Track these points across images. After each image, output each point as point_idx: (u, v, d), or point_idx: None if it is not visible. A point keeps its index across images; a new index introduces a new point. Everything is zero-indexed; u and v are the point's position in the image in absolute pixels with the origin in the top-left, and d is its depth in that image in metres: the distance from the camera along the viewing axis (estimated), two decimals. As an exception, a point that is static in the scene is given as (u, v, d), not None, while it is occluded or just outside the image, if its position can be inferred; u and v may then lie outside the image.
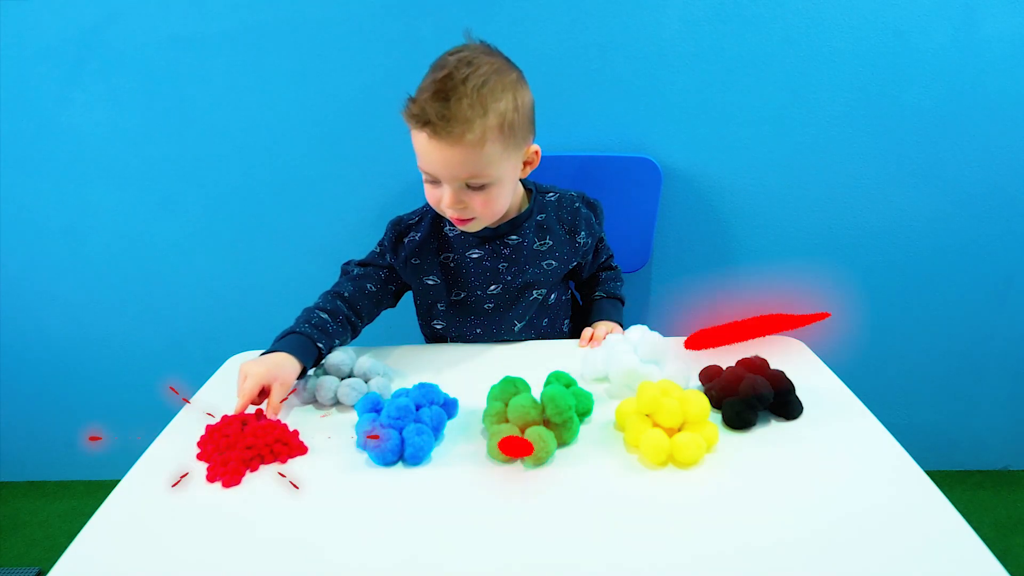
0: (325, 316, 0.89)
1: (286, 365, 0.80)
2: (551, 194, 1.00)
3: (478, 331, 0.99)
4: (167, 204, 1.32)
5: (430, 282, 0.97)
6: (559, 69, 1.19)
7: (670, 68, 1.19)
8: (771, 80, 1.19)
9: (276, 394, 0.77)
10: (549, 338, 1.03)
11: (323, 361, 0.84)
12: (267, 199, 1.31)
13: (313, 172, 1.29)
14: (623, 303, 1.08)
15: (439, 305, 0.99)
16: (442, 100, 0.77)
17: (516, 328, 0.98)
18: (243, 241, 1.35)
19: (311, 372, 0.84)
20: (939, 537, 0.56)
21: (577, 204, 0.99)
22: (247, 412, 0.77)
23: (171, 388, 0.79)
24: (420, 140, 0.81)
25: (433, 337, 1.04)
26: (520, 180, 0.97)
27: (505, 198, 0.87)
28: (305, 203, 1.32)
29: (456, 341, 1.01)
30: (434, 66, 0.82)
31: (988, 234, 1.30)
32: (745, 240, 1.33)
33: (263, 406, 0.78)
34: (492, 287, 0.96)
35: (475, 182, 0.82)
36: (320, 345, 0.85)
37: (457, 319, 0.99)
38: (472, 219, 0.87)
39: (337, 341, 0.89)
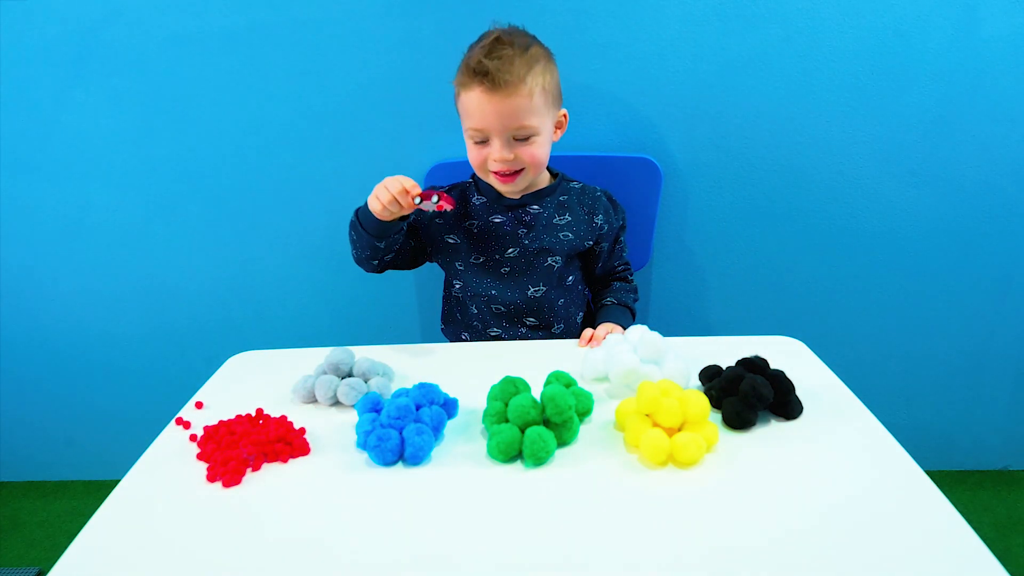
0: None
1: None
2: (576, 183, 1.08)
3: (493, 292, 1.04)
4: (167, 204, 1.32)
5: (451, 240, 1.05)
6: (560, 69, 1.19)
7: (670, 68, 1.19)
8: (771, 80, 1.19)
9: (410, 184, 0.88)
10: (562, 321, 1.06)
11: (322, 361, 0.84)
12: (267, 199, 1.31)
13: (313, 172, 1.29)
14: (634, 315, 1.10)
15: (458, 264, 1.06)
16: (496, 57, 0.90)
17: (529, 292, 1.03)
18: (243, 240, 1.35)
19: (311, 371, 0.84)
20: (939, 537, 0.56)
21: (599, 194, 1.07)
22: (247, 414, 0.77)
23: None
24: (473, 98, 0.92)
25: (450, 300, 1.11)
26: (548, 168, 1.05)
27: (545, 150, 0.98)
28: (305, 203, 1.32)
29: (472, 302, 1.06)
30: (479, 38, 0.95)
31: (988, 234, 1.30)
32: (745, 240, 1.33)
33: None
34: (510, 250, 1.03)
35: (521, 133, 0.93)
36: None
37: (475, 280, 1.05)
38: (521, 171, 0.97)
39: (400, 231, 0.99)
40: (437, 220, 1.05)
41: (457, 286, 1.08)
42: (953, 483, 1.51)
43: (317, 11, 1.16)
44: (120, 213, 1.33)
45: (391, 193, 0.87)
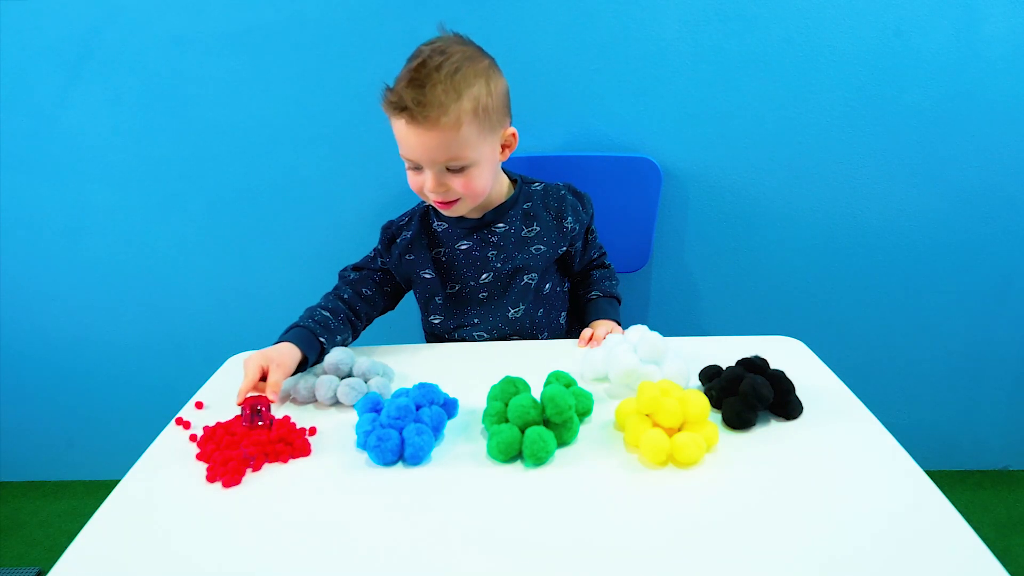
0: (327, 313, 0.92)
1: (285, 351, 0.82)
2: (537, 184, 1.02)
3: (475, 321, 1.00)
4: (167, 204, 1.32)
5: (427, 276, 1.00)
6: (559, 69, 1.19)
7: (670, 68, 1.19)
8: (771, 80, 1.19)
9: (273, 374, 0.79)
10: (545, 329, 1.03)
11: (323, 360, 0.84)
12: (266, 199, 1.31)
13: (313, 172, 1.29)
14: (620, 302, 1.08)
15: (436, 299, 1.01)
16: (417, 87, 0.82)
17: (510, 315, 0.99)
18: (243, 241, 1.35)
19: (312, 371, 0.84)
20: (939, 537, 0.56)
21: (563, 192, 1.01)
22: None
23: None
24: (399, 128, 0.85)
25: (432, 334, 1.05)
26: (506, 172, 1.01)
27: (485, 179, 0.90)
28: (304, 203, 1.32)
29: (455, 332, 1.02)
30: (410, 57, 0.87)
31: (988, 234, 1.30)
32: (745, 240, 1.33)
33: (267, 395, 0.78)
34: (484, 276, 0.99)
35: (454, 164, 0.86)
36: (322, 340, 0.88)
37: (455, 311, 1.01)
38: (456, 201, 0.90)
39: (339, 337, 0.91)
40: (408, 257, 0.99)
41: (437, 321, 1.02)
42: (953, 483, 1.51)
43: (317, 11, 1.16)
44: (120, 213, 1.33)
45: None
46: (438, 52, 0.84)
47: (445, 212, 0.93)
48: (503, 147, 0.93)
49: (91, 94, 1.23)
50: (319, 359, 0.88)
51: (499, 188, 0.98)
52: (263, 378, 0.80)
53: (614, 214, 1.20)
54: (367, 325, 1.00)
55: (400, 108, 0.82)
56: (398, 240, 1.00)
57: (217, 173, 1.29)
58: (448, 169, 0.87)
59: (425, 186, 0.88)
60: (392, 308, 1.06)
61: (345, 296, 0.97)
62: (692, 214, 1.30)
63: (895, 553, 0.54)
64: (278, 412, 0.78)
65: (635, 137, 1.24)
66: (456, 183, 0.87)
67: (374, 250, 1.03)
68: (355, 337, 0.97)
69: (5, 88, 1.23)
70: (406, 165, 0.89)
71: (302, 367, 0.84)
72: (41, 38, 1.19)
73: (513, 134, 0.93)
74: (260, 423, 0.74)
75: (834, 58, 1.17)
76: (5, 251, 1.37)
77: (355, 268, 1.03)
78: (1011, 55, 1.16)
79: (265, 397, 0.77)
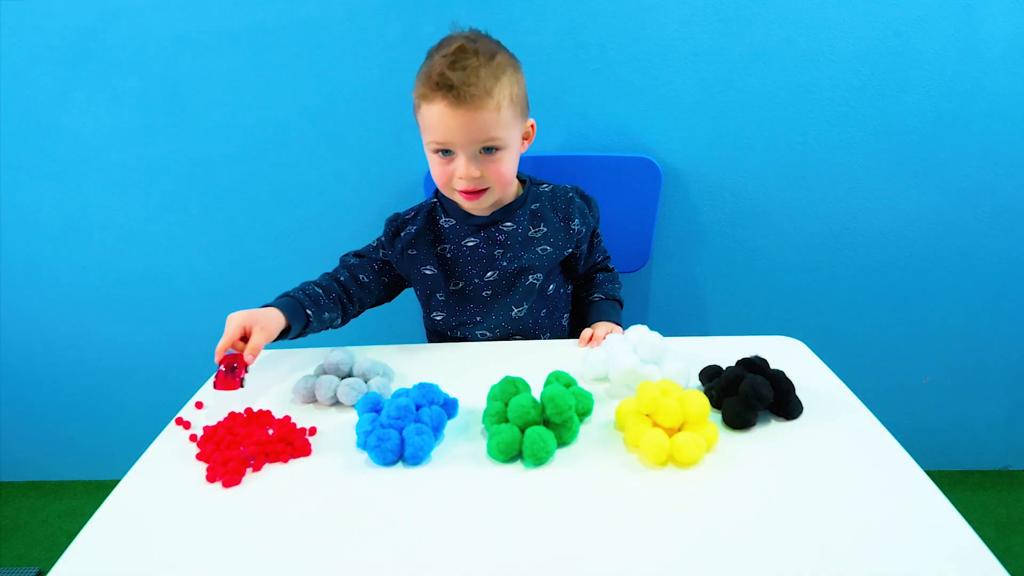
0: (319, 290, 0.94)
1: (270, 315, 0.84)
2: (545, 186, 1.03)
3: (478, 319, 1.00)
4: (167, 204, 1.32)
5: (428, 272, 1.00)
6: (559, 69, 1.19)
7: (670, 68, 1.19)
8: (771, 80, 1.19)
9: (256, 337, 0.79)
10: (547, 330, 1.04)
11: (322, 361, 0.84)
12: (267, 199, 1.31)
13: (313, 172, 1.29)
14: (622, 305, 1.09)
15: (438, 295, 1.01)
16: (460, 69, 0.83)
17: (513, 314, 0.99)
18: (243, 241, 1.35)
19: (311, 371, 0.84)
20: (939, 537, 0.56)
21: (571, 194, 1.02)
22: (244, 413, 0.77)
23: None
24: (435, 112, 0.85)
25: (434, 331, 1.05)
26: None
27: (512, 166, 0.92)
28: (305, 203, 1.32)
29: (457, 330, 1.02)
30: (440, 45, 0.87)
31: (988, 234, 1.30)
32: (745, 240, 1.33)
33: (245, 357, 0.79)
34: (488, 274, 0.99)
35: (491, 144, 0.87)
36: (309, 312, 0.89)
37: (457, 308, 1.01)
38: (485, 190, 0.91)
39: (327, 315, 0.93)
40: (410, 252, 1.00)
41: (439, 318, 1.02)
42: (953, 483, 1.51)
43: (317, 11, 1.16)
44: (120, 213, 1.33)
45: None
46: (471, 39, 0.86)
47: (470, 203, 0.93)
48: (523, 138, 0.95)
49: (91, 94, 1.23)
50: (303, 332, 0.90)
51: (510, 189, 0.98)
52: (244, 338, 0.80)
53: (614, 214, 1.20)
54: (360, 312, 1.01)
55: (446, 87, 0.82)
56: (402, 234, 1.00)
57: (217, 173, 1.29)
58: (481, 152, 0.87)
59: (457, 172, 0.88)
60: (388, 300, 1.06)
61: (341, 278, 0.98)
62: (692, 214, 1.30)
63: (895, 553, 0.54)
64: (279, 412, 0.78)
65: (635, 137, 1.24)
66: (488, 169, 0.88)
67: (377, 240, 1.04)
68: (344, 321, 0.98)
69: (5, 88, 1.23)
70: (434, 151, 0.89)
71: (284, 335, 0.86)
72: (41, 38, 1.19)
73: (532, 125, 0.96)
74: (235, 379, 0.75)
75: (834, 58, 1.17)
76: (5, 251, 1.37)
77: (356, 254, 1.03)
78: (1011, 55, 1.16)
79: (242, 356, 0.78)
